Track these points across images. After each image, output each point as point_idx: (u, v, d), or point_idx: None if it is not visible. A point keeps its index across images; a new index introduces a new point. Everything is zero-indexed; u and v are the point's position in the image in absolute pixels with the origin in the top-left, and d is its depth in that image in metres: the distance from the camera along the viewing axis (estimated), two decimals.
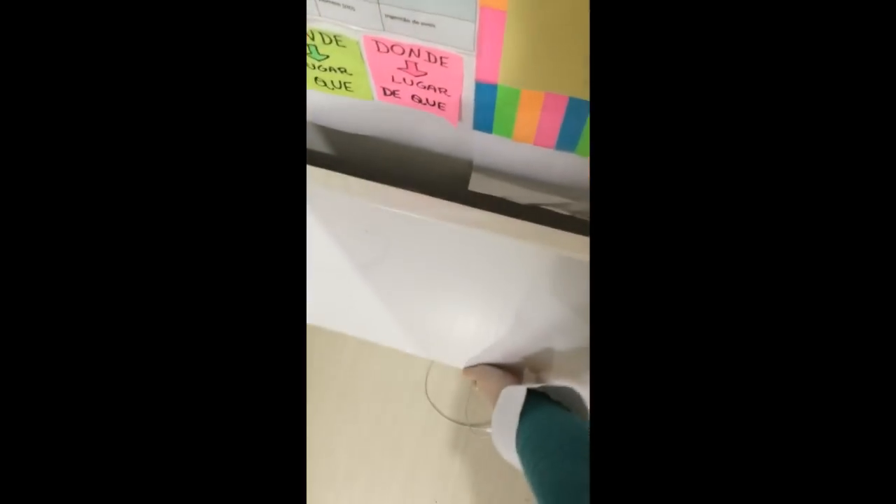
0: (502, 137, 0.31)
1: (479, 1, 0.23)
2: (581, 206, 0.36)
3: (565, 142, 0.30)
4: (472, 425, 1.05)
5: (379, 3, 0.25)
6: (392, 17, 0.25)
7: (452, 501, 1.01)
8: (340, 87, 0.32)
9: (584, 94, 0.26)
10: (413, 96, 0.30)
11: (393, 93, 0.31)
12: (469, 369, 0.64)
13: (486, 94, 0.28)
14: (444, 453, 1.05)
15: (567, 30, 0.23)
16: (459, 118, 0.31)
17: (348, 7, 0.26)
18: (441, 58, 0.27)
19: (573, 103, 0.27)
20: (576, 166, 0.32)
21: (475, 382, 0.62)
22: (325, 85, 0.32)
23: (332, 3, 0.26)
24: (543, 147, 0.31)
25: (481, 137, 0.31)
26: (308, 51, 0.30)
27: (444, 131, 0.32)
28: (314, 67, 0.31)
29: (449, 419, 1.07)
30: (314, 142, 0.40)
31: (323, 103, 0.34)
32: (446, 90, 0.29)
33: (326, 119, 0.36)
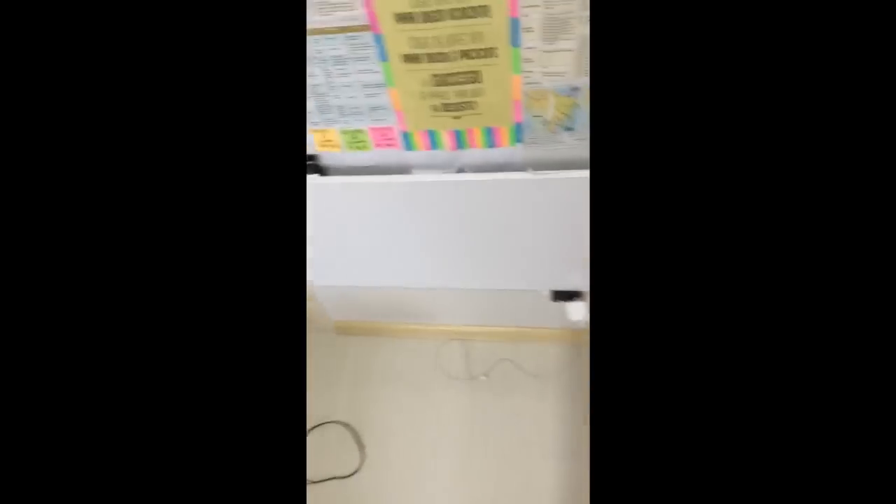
0: (438, 150, 0.94)
1: (394, 107, 0.87)
2: None
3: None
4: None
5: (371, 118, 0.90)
6: (375, 127, 0.90)
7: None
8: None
9: (434, 126, 0.89)
10: (377, 145, 0.94)
11: (377, 144, 0.94)
12: None
13: (405, 138, 0.92)
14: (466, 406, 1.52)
15: (428, 106, 0.87)
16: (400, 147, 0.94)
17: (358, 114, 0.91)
18: (386, 129, 0.91)
19: (431, 133, 0.90)
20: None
21: None
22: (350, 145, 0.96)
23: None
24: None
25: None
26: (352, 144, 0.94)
27: (395, 154, 0.95)
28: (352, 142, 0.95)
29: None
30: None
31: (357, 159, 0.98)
32: (394, 138, 0.92)
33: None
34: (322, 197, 1.01)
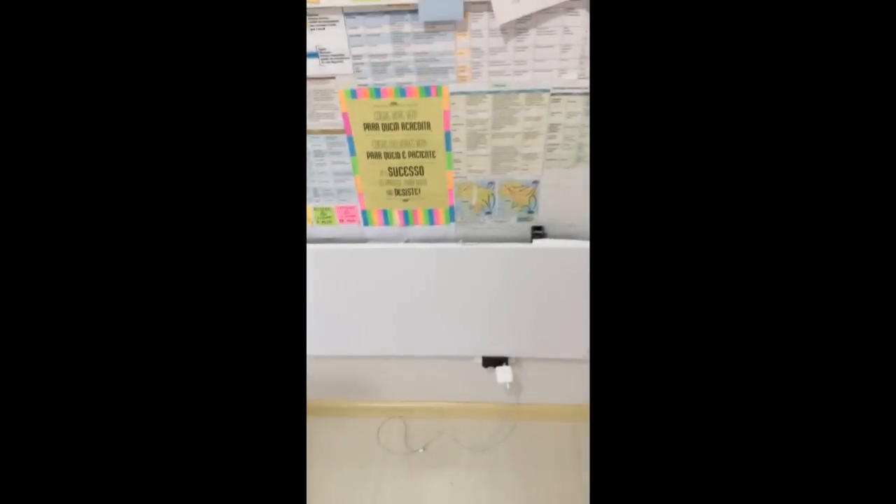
0: (389, 226, 1.19)
1: (357, 190, 1.14)
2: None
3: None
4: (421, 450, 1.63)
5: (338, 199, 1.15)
6: (340, 203, 1.16)
7: None
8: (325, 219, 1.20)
9: (385, 206, 1.16)
10: (341, 220, 1.19)
11: (341, 220, 1.19)
12: None
13: (364, 215, 1.17)
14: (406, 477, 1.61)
15: (384, 191, 1.14)
16: (361, 224, 1.19)
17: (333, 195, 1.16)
18: (349, 207, 1.16)
19: (385, 213, 1.17)
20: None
21: None
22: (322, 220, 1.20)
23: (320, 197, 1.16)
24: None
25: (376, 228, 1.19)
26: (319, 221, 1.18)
27: (355, 228, 1.20)
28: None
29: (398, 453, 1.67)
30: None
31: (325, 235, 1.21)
32: (355, 215, 1.18)
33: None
34: None
